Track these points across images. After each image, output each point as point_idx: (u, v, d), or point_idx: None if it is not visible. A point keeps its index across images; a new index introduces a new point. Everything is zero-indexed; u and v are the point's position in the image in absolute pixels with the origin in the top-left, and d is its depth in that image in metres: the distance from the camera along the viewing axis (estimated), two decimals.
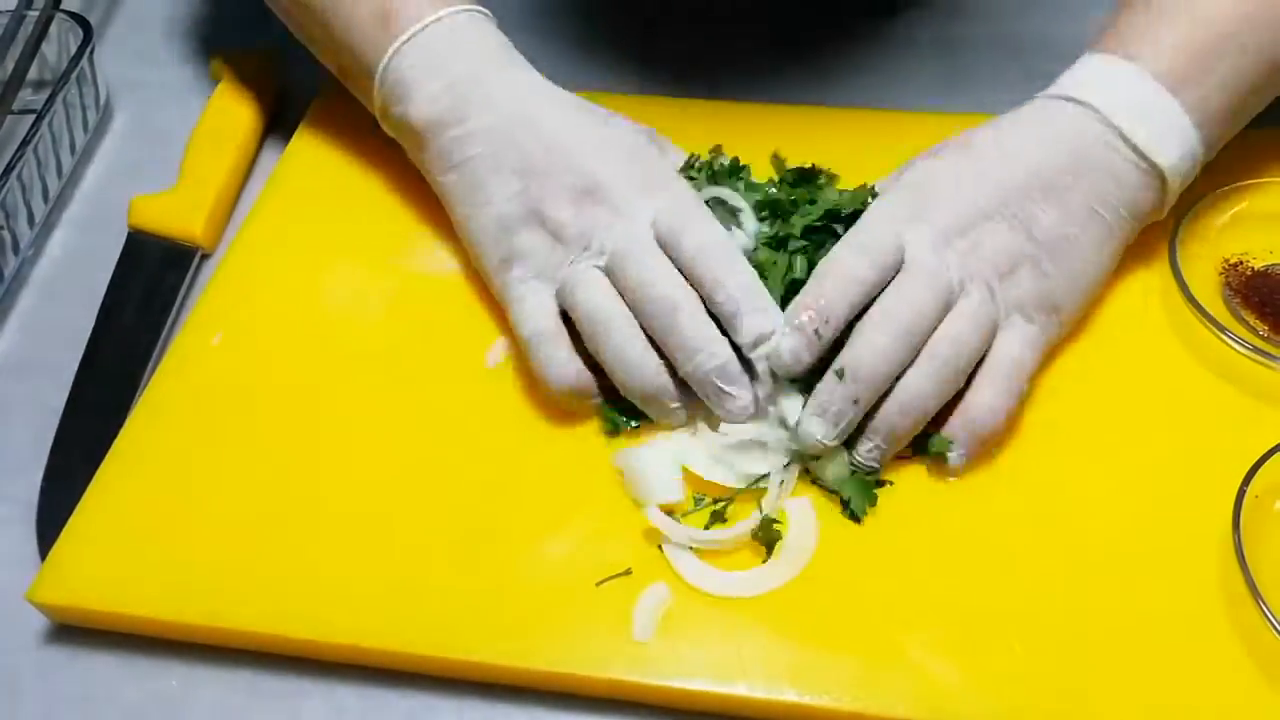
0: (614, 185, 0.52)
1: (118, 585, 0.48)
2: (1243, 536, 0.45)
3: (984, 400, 0.49)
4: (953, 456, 0.49)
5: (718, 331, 0.49)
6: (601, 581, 0.47)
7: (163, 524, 0.50)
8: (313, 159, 0.65)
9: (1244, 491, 0.46)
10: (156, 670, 0.47)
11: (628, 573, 0.47)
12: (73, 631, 0.49)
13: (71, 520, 0.50)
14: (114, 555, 0.49)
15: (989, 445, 0.49)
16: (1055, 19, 0.73)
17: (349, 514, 0.50)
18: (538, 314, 0.52)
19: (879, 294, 0.48)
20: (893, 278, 0.49)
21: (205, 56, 0.72)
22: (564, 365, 0.51)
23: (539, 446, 0.51)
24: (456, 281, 0.58)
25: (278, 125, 0.70)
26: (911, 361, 0.48)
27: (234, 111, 0.68)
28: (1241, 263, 0.56)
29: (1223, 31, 0.51)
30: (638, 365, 0.50)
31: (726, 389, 0.49)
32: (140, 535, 0.49)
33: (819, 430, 0.47)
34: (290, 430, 0.53)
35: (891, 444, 0.49)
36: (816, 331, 0.47)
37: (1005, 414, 0.49)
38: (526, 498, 0.49)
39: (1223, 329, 0.52)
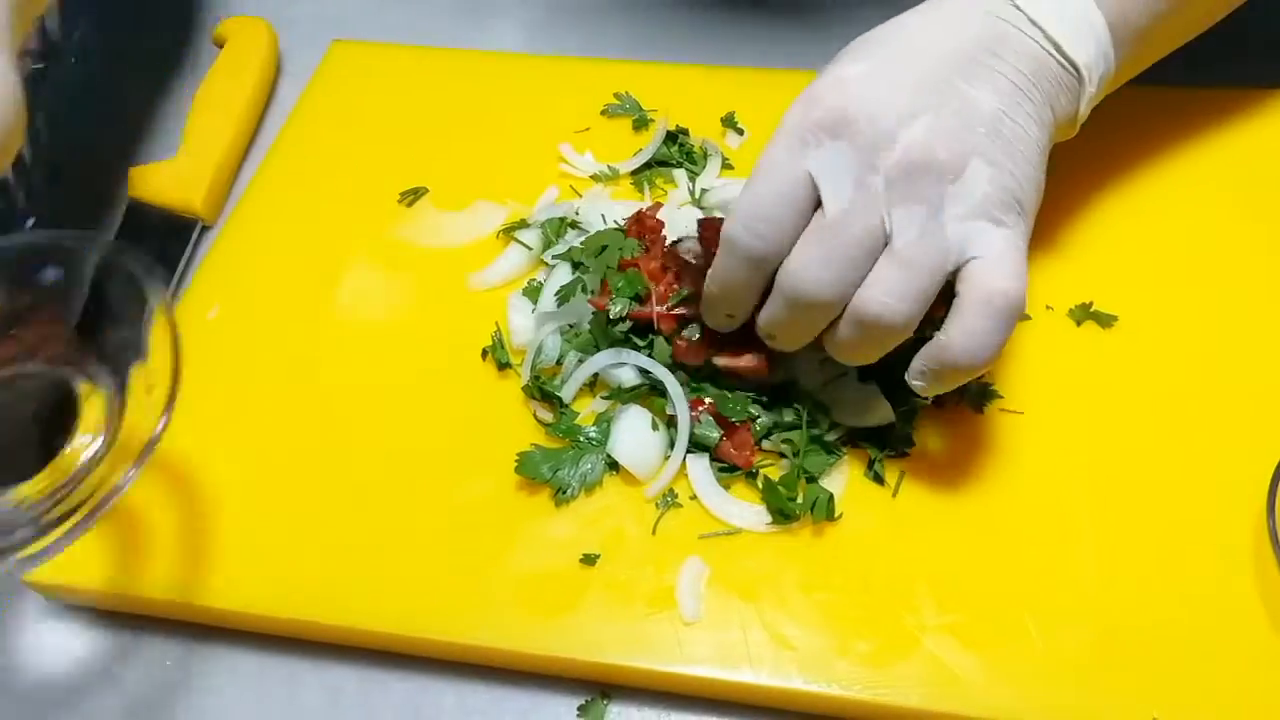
0: None
1: (113, 565, 0.47)
2: (1277, 523, 0.43)
3: (960, 341, 0.42)
4: (916, 386, 0.44)
5: None
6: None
7: (157, 502, 0.49)
8: (313, 131, 0.63)
9: (1278, 477, 0.44)
10: (153, 651, 0.47)
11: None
12: (69, 610, 0.48)
13: None
14: (109, 534, 0.48)
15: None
16: None
17: (348, 492, 0.48)
18: None
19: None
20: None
21: (207, 24, 0.71)
22: None
23: (536, 426, 0.50)
24: (458, 256, 0.56)
25: (279, 95, 0.68)
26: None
27: (236, 80, 0.66)
28: None
29: None
30: None
31: None
32: (134, 513, 0.48)
33: None
34: (286, 408, 0.51)
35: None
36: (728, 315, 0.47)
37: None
38: (527, 479, 0.48)
39: None
